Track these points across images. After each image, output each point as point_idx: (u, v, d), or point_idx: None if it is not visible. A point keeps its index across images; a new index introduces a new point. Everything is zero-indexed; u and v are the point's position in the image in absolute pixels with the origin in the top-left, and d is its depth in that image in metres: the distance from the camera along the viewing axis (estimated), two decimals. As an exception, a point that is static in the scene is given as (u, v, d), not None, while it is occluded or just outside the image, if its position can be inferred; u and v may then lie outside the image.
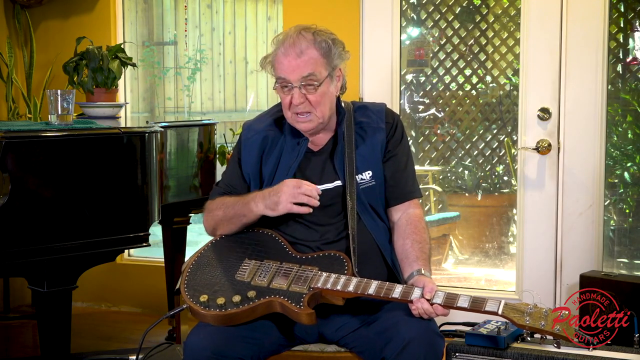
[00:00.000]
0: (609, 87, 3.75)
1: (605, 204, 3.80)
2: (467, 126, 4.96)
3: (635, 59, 4.27)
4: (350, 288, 2.21)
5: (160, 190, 3.14)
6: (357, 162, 2.43)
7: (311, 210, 2.31)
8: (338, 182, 2.43)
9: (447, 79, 4.92)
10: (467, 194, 5.14)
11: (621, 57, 4.29)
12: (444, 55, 4.83)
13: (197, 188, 3.57)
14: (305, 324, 2.22)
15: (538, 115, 3.66)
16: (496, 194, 5.11)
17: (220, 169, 3.63)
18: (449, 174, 5.18)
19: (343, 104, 2.49)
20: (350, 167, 2.41)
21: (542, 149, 3.63)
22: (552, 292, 3.69)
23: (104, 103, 3.51)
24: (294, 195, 2.30)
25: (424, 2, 4.70)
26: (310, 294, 2.21)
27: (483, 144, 4.99)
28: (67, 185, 2.66)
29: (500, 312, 2.11)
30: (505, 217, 4.98)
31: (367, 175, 2.43)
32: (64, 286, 2.71)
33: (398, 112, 3.56)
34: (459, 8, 4.73)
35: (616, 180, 4.31)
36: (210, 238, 2.50)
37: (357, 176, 2.42)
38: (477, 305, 2.13)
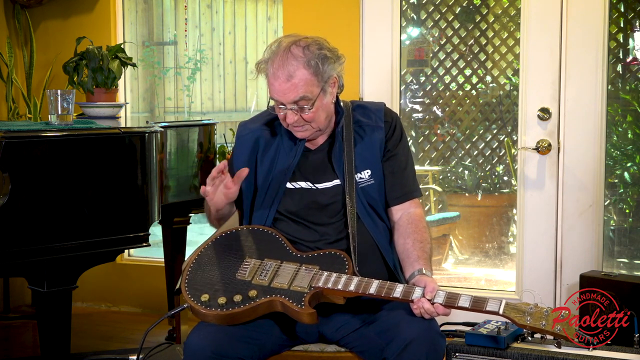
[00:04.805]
0: (609, 87, 3.74)
1: (605, 204, 3.80)
2: (467, 126, 4.96)
3: (635, 59, 4.27)
4: (351, 287, 2.21)
5: (160, 190, 3.14)
6: (356, 160, 2.42)
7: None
8: (337, 181, 2.42)
9: (447, 79, 4.92)
10: (467, 194, 5.14)
11: (621, 57, 4.29)
12: (444, 55, 4.83)
13: (197, 188, 3.55)
14: (306, 323, 2.22)
15: (538, 115, 3.66)
16: (496, 194, 5.11)
17: (220, 169, 3.62)
18: (449, 174, 5.18)
19: (342, 103, 2.48)
20: (349, 166, 2.40)
21: (542, 149, 3.63)
22: (552, 292, 3.69)
23: (104, 103, 3.51)
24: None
25: (424, 2, 4.70)
26: (311, 293, 2.21)
27: (483, 144, 4.99)
28: (67, 185, 2.66)
29: (501, 312, 2.11)
30: (505, 217, 4.98)
31: (365, 174, 2.42)
32: (64, 286, 2.71)
33: (398, 112, 3.56)
34: (459, 8, 4.73)
35: (616, 180, 4.31)
36: (209, 236, 2.49)
37: (356, 175, 2.41)
38: (478, 305, 2.12)
